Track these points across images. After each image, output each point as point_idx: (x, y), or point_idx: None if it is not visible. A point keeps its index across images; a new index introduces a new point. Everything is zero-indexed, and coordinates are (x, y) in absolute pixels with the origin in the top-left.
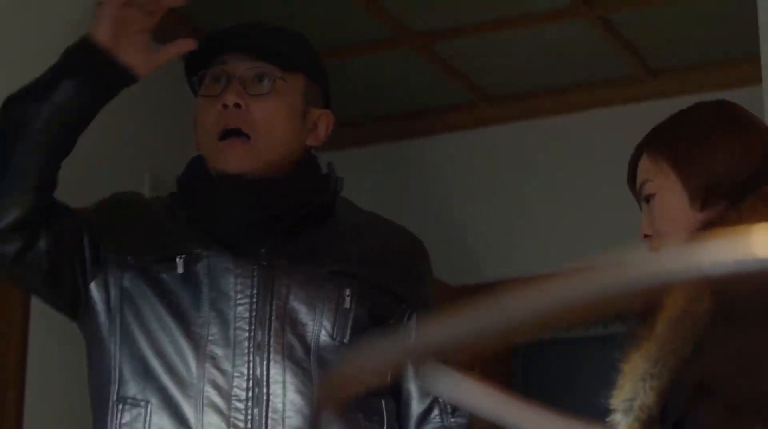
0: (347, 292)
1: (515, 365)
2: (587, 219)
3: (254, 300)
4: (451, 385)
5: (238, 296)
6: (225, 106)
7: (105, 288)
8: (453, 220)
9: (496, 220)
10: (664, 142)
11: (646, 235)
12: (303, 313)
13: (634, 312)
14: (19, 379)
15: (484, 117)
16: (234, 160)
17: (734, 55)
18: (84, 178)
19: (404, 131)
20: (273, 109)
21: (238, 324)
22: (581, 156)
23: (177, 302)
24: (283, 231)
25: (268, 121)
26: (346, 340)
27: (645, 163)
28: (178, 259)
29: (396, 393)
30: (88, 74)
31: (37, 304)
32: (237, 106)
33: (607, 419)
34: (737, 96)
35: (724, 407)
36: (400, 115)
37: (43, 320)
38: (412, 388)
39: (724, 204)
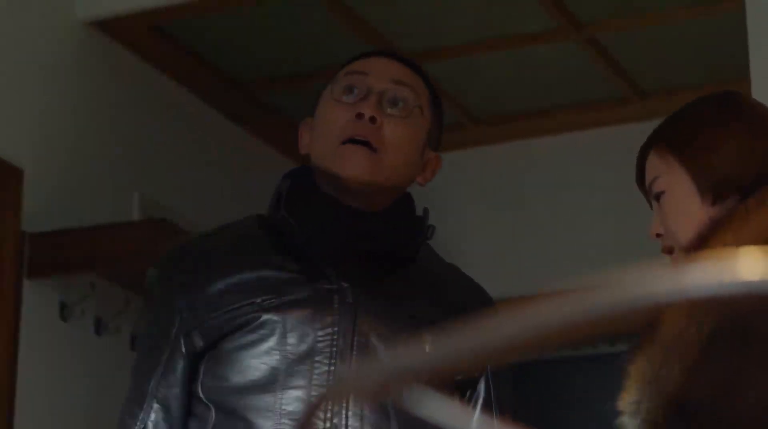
0: (426, 338)
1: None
2: (577, 239)
3: (335, 334)
4: (435, 408)
5: (317, 327)
6: (359, 116)
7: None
8: (439, 242)
9: (483, 241)
10: (672, 137)
11: (658, 235)
12: (383, 351)
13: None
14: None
15: (471, 138)
16: (354, 163)
17: (723, 77)
18: (72, 198)
19: None
20: (404, 133)
21: (317, 358)
22: (570, 177)
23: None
24: (370, 268)
25: (398, 142)
26: None
27: (653, 160)
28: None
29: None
30: None
31: (27, 303)
32: (372, 119)
33: (615, 422)
34: None
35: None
36: None
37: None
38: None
39: (736, 199)
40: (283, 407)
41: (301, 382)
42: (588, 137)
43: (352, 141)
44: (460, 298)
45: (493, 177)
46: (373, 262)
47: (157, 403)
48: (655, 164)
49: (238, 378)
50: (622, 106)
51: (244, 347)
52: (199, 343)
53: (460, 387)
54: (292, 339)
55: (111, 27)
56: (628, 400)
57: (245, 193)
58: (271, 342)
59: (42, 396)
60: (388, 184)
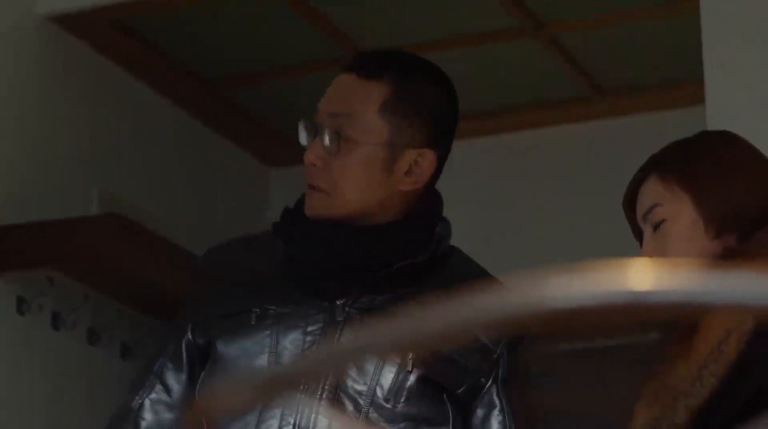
0: (410, 356)
1: None
2: (537, 236)
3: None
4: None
5: (305, 343)
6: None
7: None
8: None
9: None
10: (680, 166)
11: None
12: (364, 371)
13: (662, 326)
14: None
15: None
16: (310, 207)
17: (680, 76)
18: (29, 191)
19: None
20: (348, 165)
21: None
22: (530, 174)
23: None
24: (370, 283)
25: (345, 176)
26: (399, 403)
27: (655, 187)
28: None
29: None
30: None
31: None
32: (313, 165)
33: None
34: (682, 116)
35: None
36: None
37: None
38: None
39: (736, 235)
40: (263, 413)
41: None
42: (549, 135)
43: (309, 185)
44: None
45: (453, 174)
46: (370, 277)
47: (160, 383)
48: (656, 190)
49: None
50: (584, 104)
51: (239, 356)
52: (199, 339)
53: (462, 397)
54: (283, 352)
55: (71, 22)
56: (649, 415)
57: (206, 189)
58: (263, 358)
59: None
60: (357, 209)
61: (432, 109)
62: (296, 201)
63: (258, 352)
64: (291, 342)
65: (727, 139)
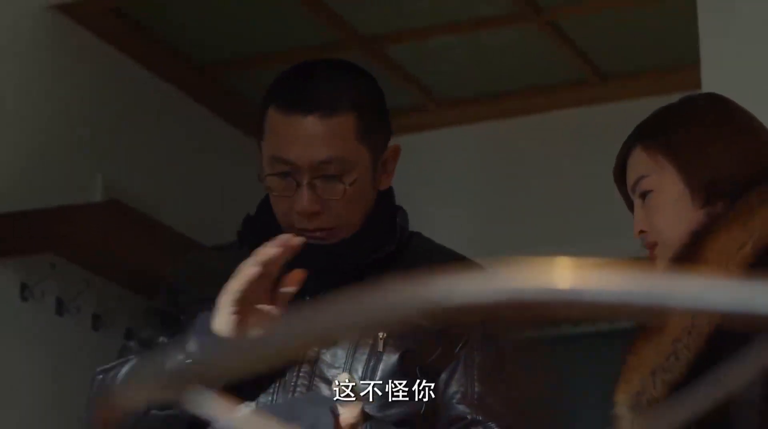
0: (380, 336)
1: None
2: (537, 219)
3: None
4: (212, 408)
5: None
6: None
7: None
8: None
9: (443, 224)
10: (663, 136)
11: (641, 232)
12: (337, 356)
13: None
14: None
15: (433, 120)
16: (315, 244)
17: (679, 60)
18: (34, 179)
19: None
20: (348, 201)
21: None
22: (530, 159)
23: None
24: (340, 280)
25: (348, 213)
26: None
27: (640, 158)
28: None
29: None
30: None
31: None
32: (313, 214)
33: (611, 414)
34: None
35: None
36: None
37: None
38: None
39: (725, 202)
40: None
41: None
42: (549, 120)
43: (310, 230)
44: None
45: (453, 158)
46: (343, 275)
47: (139, 345)
48: (642, 162)
49: None
50: (582, 88)
51: None
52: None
53: (433, 368)
54: None
55: (73, 10)
56: (628, 392)
57: (208, 174)
58: None
59: (2, 376)
60: (352, 230)
61: (379, 104)
62: (257, 208)
63: None
64: None
65: (710, 103)
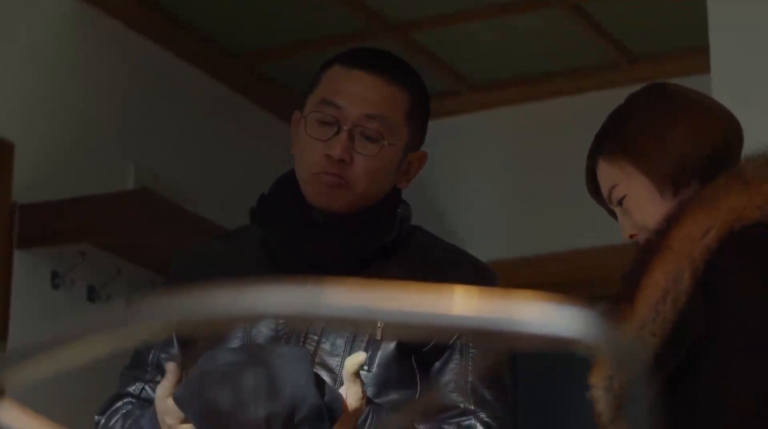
0: (378, 324)
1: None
2: (567, 204)
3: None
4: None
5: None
6: (329, 156)
7: None
8: (437, 206)
9: (479, 207)
10: (618, 143)
11: (632, 236)
12: (336, 344)
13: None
14: None
15: (467, 104)
16: (325, 198)
17: (705, 41)
18: (67, 169)
19: None
20: (374, 166)
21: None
22: (561, 142)
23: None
24: (342, 267)
25: (369, 176)
26: (371, 371)
27: (605, 170)
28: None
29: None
30: None
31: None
32: (341, 160)
33: (586, 396)
34: (707, 81)
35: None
36: None
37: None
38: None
39: (695, 182)
40: None
41: None
42: (578, 102)
43: (332, 176)
44: (459, 281)
45: (487, 141)
46: (340, 264)
47: (159, 374)
48: (608, 173)
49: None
50: (611, 71)
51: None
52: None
53: (428, 357)
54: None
55: (103, 1)
56: (600, 374)
57: (242, 161)
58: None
59: None
60: (360, 204)
61: (427, 102)
62: (271, 186)
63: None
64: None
65: (651, 95)
